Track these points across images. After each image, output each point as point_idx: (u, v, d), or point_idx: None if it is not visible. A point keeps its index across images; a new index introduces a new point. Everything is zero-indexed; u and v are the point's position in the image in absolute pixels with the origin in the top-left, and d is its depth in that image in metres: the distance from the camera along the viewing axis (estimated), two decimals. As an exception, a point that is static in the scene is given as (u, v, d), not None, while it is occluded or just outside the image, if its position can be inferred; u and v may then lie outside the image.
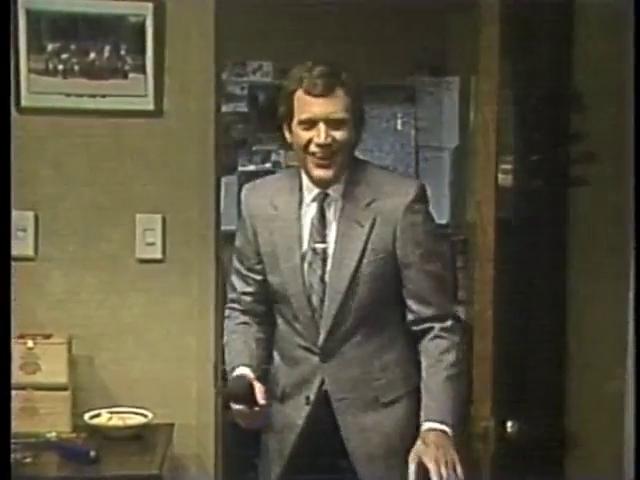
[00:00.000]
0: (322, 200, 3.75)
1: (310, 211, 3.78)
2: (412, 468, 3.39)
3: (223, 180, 4.86)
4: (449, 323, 3.69)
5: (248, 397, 3.55)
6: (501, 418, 3.83)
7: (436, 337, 3.68)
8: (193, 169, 4.60)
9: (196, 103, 4.57)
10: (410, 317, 3.71)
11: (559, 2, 4.50)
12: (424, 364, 3.68)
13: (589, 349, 4.76)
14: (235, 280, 4.01)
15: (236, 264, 4.00)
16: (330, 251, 3.74)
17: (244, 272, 3.95)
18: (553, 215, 4.59)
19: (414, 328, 3.72)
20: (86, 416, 4.45)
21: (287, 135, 3.75)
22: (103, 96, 4.53)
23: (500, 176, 4.38)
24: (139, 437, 4.44)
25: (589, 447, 4.76)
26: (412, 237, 3.68)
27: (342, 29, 6.24)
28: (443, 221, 6.12)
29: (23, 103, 4.49)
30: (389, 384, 3.78)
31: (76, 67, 4.50)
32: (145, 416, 4.49)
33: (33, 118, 4.53)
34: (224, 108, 5.07)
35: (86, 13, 4.48)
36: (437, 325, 3.68)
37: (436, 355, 3.66)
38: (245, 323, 3.96)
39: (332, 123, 3.61)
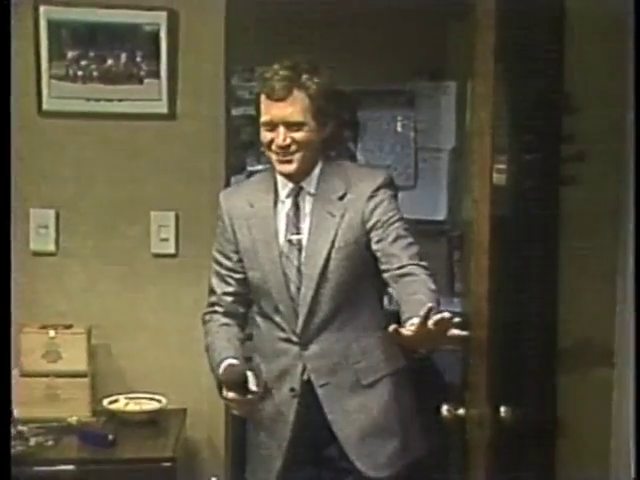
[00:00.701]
0: (296, 194, 3.80)
1: (285, 206, 3.83)
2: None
3: (233, 179, 4.86)
4: (422, 265, 3.64)
5: (242, 384, 3.54)
6: (495, 404, 3.82)
7: (411, 274, 3.61)
8: (204, 169, 4.62)
9: (207, 107, 4.59)
10: (388, 268, 3.66)
11: (551, 9, 4.49)
12: (402, 290, 3.59)
13: (579, 339, 4.73)
14: (215, 283, 3.99)
15: (215, 267, 4.00)
16: (304, 242, 3.78)
17: (224, 272, 3.94)
18: (545, 212, 4.59)
19: (388, 274, 3.67)
20: (104, 401, 4.50)
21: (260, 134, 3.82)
22: (120, 100, 4.54)
23: (495, 175, 4.37)
24: (154, 421, 4.48)
25: (579, 431, 4.77)
26: (378, 212, 3.70)
27: (345, 37, 6.23)
28: (441, 218, 6.17)
29: (45, 107, 4.52)
30: (370, 367, 3.79)
31: (94, 73, 4.52)
32: (159, 402, 4.53)
33: (54, 121, 4.55)
34: (234, 111, 5.10)
35: (104, 22, 4.50)
36: (410, 267, 3.62)
37: (414, 282, 3.57)
38: (226, 324, 3.94)
39: (291, 125, 3.67)
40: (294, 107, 3.66)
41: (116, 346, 4.65)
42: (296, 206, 3.83)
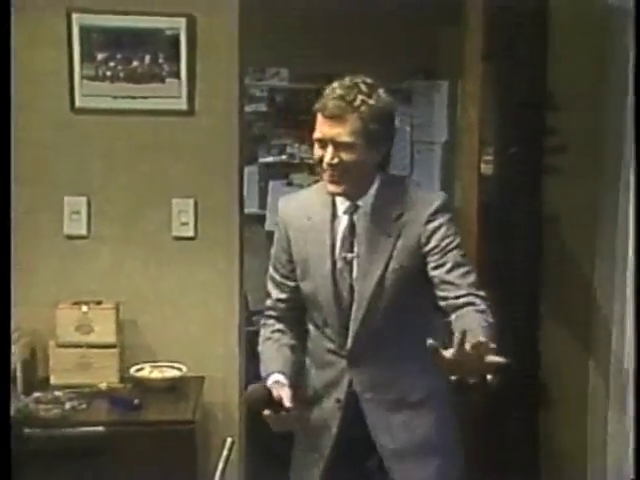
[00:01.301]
0: (352, 212, 3.54)
1: (342, 222, 3.57)
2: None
3: (246, 169, 4.94)
4: (480, 295, 3.35)
5: (267, 404, 3.36)
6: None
7: (471, 304, 3.32)
8: (220, 160, 4.65)
9: (223, 104, 4.62)
10: (446, 297, 3.39)
11: (536, 13, 4.50)
12: (460, 320, 3.30)
13: (560, 312, 4.75)
14: (271, 288, 3.79)
15: (272, 272, 3.79)
16: (358, 260, 3.53)
17: (279, 279, 3.73)
18: (528, 199, 4.61)
19: (446, 303, 3.39)
20: (131, 370, 4.56)
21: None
22: (144, 98, 4.58)
23: (482, 166, 4.42)
24: (175, 388, 4.53)
25: (560, 396, 4.81)
26: (436, 238, 3.42)
27: (348, 40, 6.24)
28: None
29: (77, 104, 4.56)
30: (416, 385, 3.59)
31: (121, 73, 4.56)
32: (180, 370, 4.57)
33: (85, 117, 4.59)
34: (246, 108, 5.15)
35: (129, 27, 4.53)
36: (469, 297, 3.34)
37: (473, 313, 3.29)
38: (279, 330, 3.75)
39: (340, 145, 3.39)
40: (344, 127, 3.38)
41: (141, 320, 4.68)
42: (352, 224, 3.56)
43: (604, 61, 4.40)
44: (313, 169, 6.88)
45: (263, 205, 7.09)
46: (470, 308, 3.32)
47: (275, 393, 3.37)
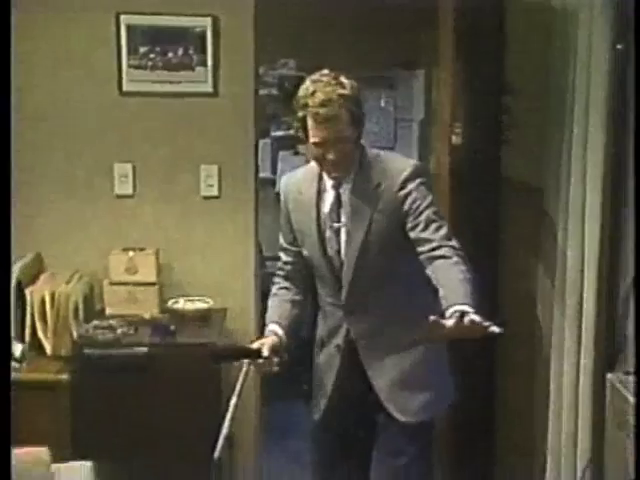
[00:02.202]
0: (338, 186, 3.42)
1: (330, 195, 3.45)
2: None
3: (260, 142, 4.99)
4: (451, 245, 3.26)
5: (235, 356, 3.43)
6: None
7: (446, 257, 3.23)
8: (239, 134, 4.68)
9: (241, 88, 4.65)
10: (424, 249, 3.27)
11: (495, 16, 4.49)
12: (437, 273, 3.22)
13: (519, 272, 4.70)
14: (280, 252, 3.70)
15: (280, 239, 3.69)
16: (344, 228, 3.43)
17: (285, 245, 3.65)
18: (489, 164, 4.61)
19: (423, 256, 3.28)
20: (168, 302, 4.63)
21: (307, 147, 3.45)
22: (177, 83, 4.62)
23: (453, 138, 4.44)
24: (203, 317, 4.59)
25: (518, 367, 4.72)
26: (409, 202, 3.31)
27: (344, 37, 6.29)
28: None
29: (124, 89, 4.62)
30: (405, 330, 3.37)
31: (159, 63, 4.60)
32: (207, 302, 4.64)
33: (130, 99, 4.64)
34: (260, 92, 5.12)
35: (166, 26, 4.58)
36: (442, 249, 3.25)
37: (448, 265, 3.21)
38: (285, 288, 3.65)
39: (337, 140, 3.26)
40: (338, 125, 3.24)
41: (176, 263, 4.73)
42: (338, 197, 3.43)
43: (548, 55, 4.36)
44: None
45: (274, 171, 7.13)
46: (444, 261, 3.23)
47: (259, 343, 3.39)
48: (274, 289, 3.70)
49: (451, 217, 4.29)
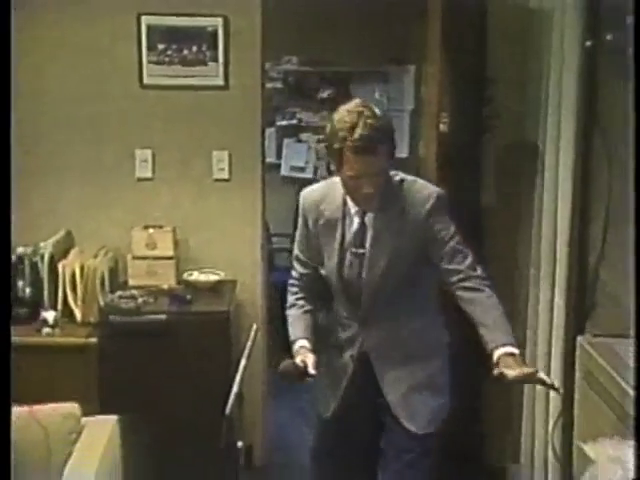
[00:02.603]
0: (363, 213, 3.18)
1: (354, 222, 3.20)
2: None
3: (267, 130, 4.96)
4: (478, 275, 3.14)
5: (295, 376, 3.15)
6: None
7: (476, 289, 3.11)
8: (247, 123, 4.70)
9: (249, 81, 4.67)
10: (450, 280, 3.13)
11: (479, 16, 4.48)
12: (473, 308, 3.09)
13: (501, 248, 4.63)
14: (295, 264, 3.44)
15: (296, 252, 3.44)
16: (366, 254, 3.20)
17: (303, 259, 3.40)
18: (472, 150, 4.60)
19: (453, 287, 3.14)
20: (184, 275, 4.68)
21: (340, 176, 3.10)
22: (192, 77, 4.65)
23: (440, 126, 4.44)
24: (215, 288, 4.65)
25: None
26: (435, 230, 3.13)
27: (341, 36, 6.30)
28: (404, 155, 6.08)
29: (144, 82, 4.66)
30: (418, 345, 3.29)
31: (175, 59, 4.63)
32: (219, 275, 4.70)
33: (150, 91, 4.67)
34: (267, 85, 5.10)
35: (181, 25, 4.61)
36: (471, 280, 3.12)
37: (483, 299, 3.09)
38: (303, 298, 3.41)
39: (376, 174, 3.01)
40: (377, 159, 2.97)
41: (191, 239, 4.76)
42: (362, 223, 3.19)
43: (526, 50, 4.38)
44: (316, 130, 6.91)
45: (279, 156, 7.12)
46: (477, 295, 3.11)
47: (300, 360, 3.18)
48: (292, 299, 3.46)
49: None
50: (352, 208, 3.21)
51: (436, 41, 4.33)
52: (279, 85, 6.89)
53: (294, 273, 3.48)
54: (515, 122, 4.48)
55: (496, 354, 2.96)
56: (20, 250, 4.56)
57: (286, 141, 7.18)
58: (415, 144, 6.08)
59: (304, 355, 3.22)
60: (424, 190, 3.22)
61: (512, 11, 4.44)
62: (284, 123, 7.08)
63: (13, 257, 4.53)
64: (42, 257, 4.55)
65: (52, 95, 4.65)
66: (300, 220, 3.39)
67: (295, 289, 3.46)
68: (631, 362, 3.59)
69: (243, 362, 3.98)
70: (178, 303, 4.47)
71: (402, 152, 5.42)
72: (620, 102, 3.86)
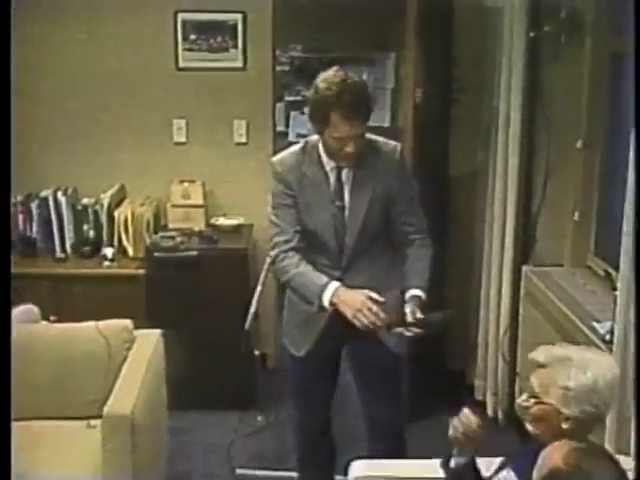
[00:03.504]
0: (339, 170, 2.94)
1: (331, 176, 2.95)
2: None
3: (277, 105, 4.95)
4: (425, 236, 3.04)
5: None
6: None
7: (420, 245, 3.01)
8: (261, 97, 4.68)
9: (263, 64, 4.64)
10: (406, 229, 3.00)
11: (446, 10, 4.42)
12: (411, 257, 3.01)
13: (464, 199, 4.62)
14: (281, 229, 3.00)
15: (278, 221, 3.02)
16: (347, 205, 2.96)
17: (285, 226, 2.99)
18: (442, 120, 4.57)
19: (407, 238, 3.02)
20: (212, 219, 4.67)
21: (322, 136, 2.87)
22: (217, 60, 4.63)
23: (415, 100, 4.40)
24: (237, 230, 4.64)
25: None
26: (399, 188, 2.97)
27: (336, 27, 6.18)
28: (386, 125, 6.01)
29: (180, 65, 4.63)
30: (385, 281, 3.01)
31: (204, 47, 4.61)
32: (239, 219, 4.68)
33: (184, 73, 4.64)
34: (277, 68, 4.99)
35: (209, 20, 4.59)
36: (419, 236, 3.02)
37: (420, 253, 3.00)
38: (300, 259, 2.95)
39: (360, 135, 2.82)
40: (361, 122, 2.78)
41: (217, 191, 4.74)
42: (339, 179, 2.95)
43: (483, 38, 4.39)
44: None
45: (287, 125, 6.99)
46: (419, 249, 3.02)
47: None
48: (294, 260, 2.95)
49: (413, 157, 4.19)
50: (327, 165, 2.96)
51: (412, 32, 4.26)
52: (287, 68, 6.76)
53: (280, 240, 3.00)
54: (475, 96, 4.47)
55: (407, 294, 2.89)
56: (84, 201, 4.64)
57: (292, 113, 7.04)
58: (395, 116, 6.06)
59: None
60: (388, 145, 3.03)
61: (472, 8, 4.41)
62: (291, 99, 6.96)
63: (79, 207, 4.61)
64: (102, 206, 4.60)
65: (110, 74, 4.62)
66: (280, 186, 3.01)
67: (291, 252, 2.98)
68: (564, 284, 3.72)
69: (259, 288, 4.05)
70: (207, 242, 4.47)
71: (385, 122, 5.37)
72: (555, 79, 3.92)
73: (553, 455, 2.02)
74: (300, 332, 3.17)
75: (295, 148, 3.06)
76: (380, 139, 3.04)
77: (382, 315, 2.77)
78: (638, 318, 2.42)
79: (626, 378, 2.63)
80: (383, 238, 3.07)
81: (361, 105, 2.78)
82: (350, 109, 2.74)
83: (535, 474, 2.07)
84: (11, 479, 2.07)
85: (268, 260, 3.49)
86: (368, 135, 2.96)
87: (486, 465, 2.43)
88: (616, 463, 2.02)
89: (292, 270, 2.97)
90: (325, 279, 2.91)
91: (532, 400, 2.23)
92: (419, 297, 2.91)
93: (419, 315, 2.79)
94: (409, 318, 2.79)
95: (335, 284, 2.88)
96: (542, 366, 2.23)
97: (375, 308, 2.76)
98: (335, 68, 2.88)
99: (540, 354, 2.26)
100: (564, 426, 2.17)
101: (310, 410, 3.30)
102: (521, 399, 2.28)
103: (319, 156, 2.96)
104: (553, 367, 2.20)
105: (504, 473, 2.38)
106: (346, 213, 2.98)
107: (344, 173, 2.96)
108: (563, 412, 2.17)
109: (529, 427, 2.27)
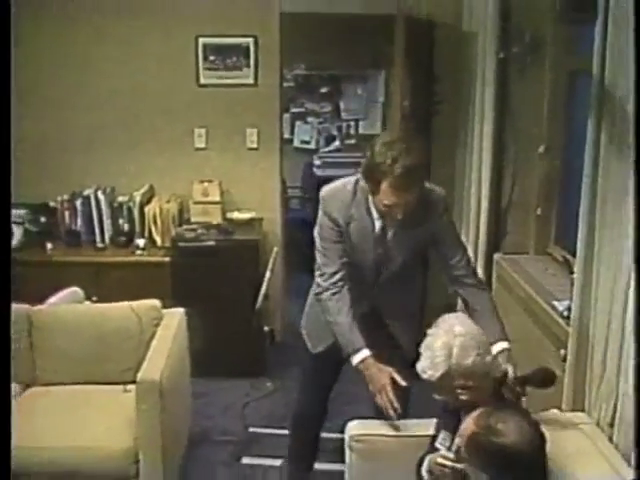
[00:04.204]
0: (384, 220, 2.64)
1: (377, 225, 2.65)
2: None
3: (284, 115, 4.89)
4: (476, 278, 2.79)
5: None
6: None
7: (478, 288, 2.73)
8: (270, 109, 4.66)
9: (271, 81, 4.62)
10: (453, 274, 2.70)
11: (428, 34, 4.48)
12: (474, 302, 2.69)
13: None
14: (327, 263, 2.70)
15: (322, 260, 2.71)
16: (389, 250, 2.70)
17: (332, 260, 2.69)
18: (425, 128, 4.59)
19: (457, 277, 2.71)
20: (227, 214, 4.65)
21: (373, 196, 2.55)
22: (232, 78, 4.61)
23: (403, 110, 4.36)
24: (249, 223, 4.62)
25: None
26: (447, 229, 2.70)
27: (335, 49, 6.20)
28: (378, 132, 5.95)
29: (200, 82, 4.61)
30: (406, 312, 2.84)
31: (221, 66, 4.59)
32: (251, 214, 4.65)
33: (204, 89, 4.62)
34: (284, 84, 5.02)
35: (225, 43, 4.56)
36: (472, 280, 2.73)
37: (483, 300, 2.70)
38: (343, 304, 2.66)
39: (410, 203, 2.49)
40: (412, 195, 2.47)
41: (232, 189, 4.70)
42: (383, 226, 2.66)
43: (460, 58, 4.36)
44: (317, 115, 6.79)
45: (292, 133, 6.98)
46: (477, 291, 2.72)
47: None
48: (340, 304, 2.67)
49: None
50: (374, 213, 2.65)
51: (399, 53, 4.30)
52: (292, 84, 6.74)
53: (328, 270, 2.69)
54: (453, 108, 4.46)
55: (495, 348, 2.49)
56: (120, 199, 4.64)
57: (297, 123, 7.03)
58: (385, 125, 6.08)
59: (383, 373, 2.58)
60: (434, 193, 2.68)
61: (451, 32, 4.41)
62: (295, 110, 6.95)
63: (115, 204, 4.61)
64: (134, 203, 4.61)
65: (142, 90, 4.62)
66: (328, 222, 2.67)
67: (337, 288, 2.68)
68: (529, 269, 3.73)
69: (268, 273, 4.09)
70: (223, 233, 4.44)
71: (376, 130, 5.38)
72: (521, 94, 3.89)
73: (468, 422, 2.03)
74: (317, 333, 2.92)
75: (347, 185, 2.68)
76: (427, 187, 2.65)
77: (396, 405, 2.52)
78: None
79: (585, 347, 2.65)
80: (413, 279, 2.87)
81: (413, 177, 2.44)
82: (401, 181, 2.42)
83: (457, 439, 2.09)
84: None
85: (275, 250, 3.49)
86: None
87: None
88: (528, 417, 2.02)
89: (335, 317, 2.68)
90: (359, 344, 2.61)
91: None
92: (509, 350, 2.56)
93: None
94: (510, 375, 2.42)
95: (365, 352, 2.59)
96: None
97: (392, 396, 2.51)
98: (394, 135, 2.63)
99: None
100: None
101: (310, 398, 3.09)
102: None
103: (368, 204, 2.65)
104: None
105: (442, 435, 2.38)
106: (388, 255, 2.72)
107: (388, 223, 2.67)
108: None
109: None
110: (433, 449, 2.37)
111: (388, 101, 5.22)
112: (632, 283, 2.31)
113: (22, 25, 4.25)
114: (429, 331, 2.31)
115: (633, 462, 2.12)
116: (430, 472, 2.31)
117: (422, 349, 2.29)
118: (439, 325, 2.32)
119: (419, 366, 2.30)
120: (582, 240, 2.66)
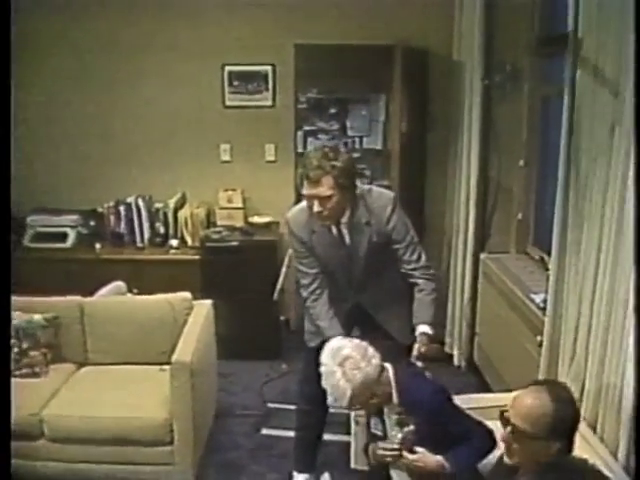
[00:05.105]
0: (338, 226, 2.70)
1: (334, 231, 2.70)
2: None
3: (298, 132, 4.72)
4: (426, 266, 2.75)
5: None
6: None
7: (425, 279, 2.73)
8: (286, 127, 4.58)
9: (287, 103, 4.56)
10: (406, 268, 2.73)
11: (423, 62, 4.45)
12: (418, 292, 2.73)
13: (435, 199, 4.58)
14: (304, 274, 2.80)
15: (302, 267, 2.80)
16: (350, 250, 2.72)
17: (307, 270, 2.79)
18: (421, 144, 4.57)
19: (407, 272, 2.74)
20: (249, 218, 4.63)
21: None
22: (254, 100, 4.60)
23: (401, 129, 4.39)
24: (267, 226, 4.58)
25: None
26: (396, 232, 2.70)
27: (343, 76, 5.91)
28: (379, 147, 5.54)
29: (226, 104, 4.61)
30: (392, 300, 2.80)
31: (244, 90, 4.58)
32: (269, 217, 4.61)
33: (229, 110, 4.61)
34: (298, 105, 4.81)
35: (247, 70, 4.55)
36: (421, 272, 2.74)
37: (426, 288, 2.72)
38: (325, 308, 2.79)
39: (322, 198, 2.55)
40: (322, 187, 2.53)
41: (253, 197, 4.68)
42: (340, 232, 2.71)
43: (450, 84, 4.33)
44: (327, 132, 6.71)
45: (305, 148, 6.64)
46: (423, 282, 2.73)
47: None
48: (319, 308, 2.79)
49: (399, 174, 4.22)
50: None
51: (398, 79, 4.27)
52: (305, 106, 6.31)
53: (305, 281, 2.81)
54: (445, 127, 4.44)
55: (418, 330, 2.65)
56: (157, 205, 4.64)
57: (309, 139, 6.92)
58: (386, 141, 5.78)
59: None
60: (382, 198, 2.73)
61: (442, 61, 4.40)
62: (307, 128, 6.32)
63: (153, 209, 4.59)
64: (169, 209, 4.62)
65: (175, 111, 4.62)
66: (296, 242, 2.78)
67: (316, 295, 2.80)
68: (510, 266, 3.75)
69: (283, 269, 4.09)
70: (245, 235, 4.42)
71: (378, 145, 5.33)
72: (503, 115, 3.92)
73: None
74: (310, 331, 2.93)
75: (304, 206, 2.74)
76: (375, 192, 2.75)
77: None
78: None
79: (558, 334, 2.65)
80: (386, 266, 2.79)
81: (326, 172, 2.54)
82: (314, 174, 2.54)
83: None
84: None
85: (290, 251, 3.40)
86: (366, 186, 2.75)
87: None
88: None
89: (318, 321, 2.78)
90: (336, 330, 2.69)
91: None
92: (427, 334, 2.65)
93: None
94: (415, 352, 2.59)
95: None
96: None
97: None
98: (326, 145, 2.77)
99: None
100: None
101: (311, 387, 2.81)
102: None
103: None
104: None
105: (373, 421, 2.37)
106: (351, 257, 2.74)
107: (342, 227, 2.72)
108: None
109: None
110: (371, 435, 2.41)
111: (388, 120, 5.11)
112: (599, 279, 2.33)
113: (86, 59, 4.46)
114: (322, 368, 2.23)
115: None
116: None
117: (323, 384, 2.23)
118: (326, 355, 2.24)
119: (329, 401, 2.24)
120: (556, 242, 2.68)
